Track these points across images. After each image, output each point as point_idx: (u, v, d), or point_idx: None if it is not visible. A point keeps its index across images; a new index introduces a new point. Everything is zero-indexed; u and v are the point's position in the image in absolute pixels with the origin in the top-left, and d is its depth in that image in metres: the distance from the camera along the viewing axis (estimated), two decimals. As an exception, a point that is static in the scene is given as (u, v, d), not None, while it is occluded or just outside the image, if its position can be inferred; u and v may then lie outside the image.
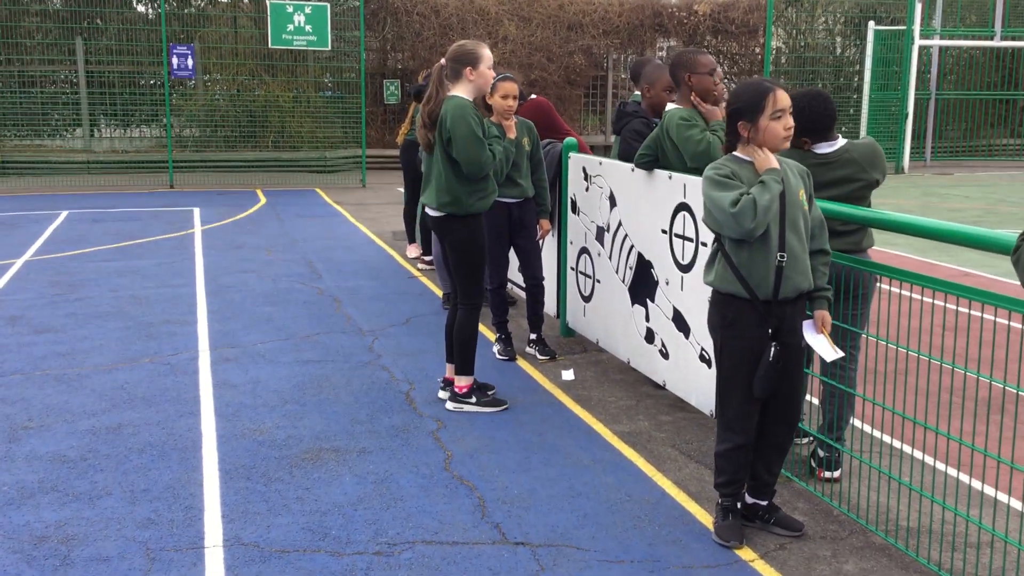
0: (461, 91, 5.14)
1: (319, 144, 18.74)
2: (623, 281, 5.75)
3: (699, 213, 4.81)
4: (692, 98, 4.99)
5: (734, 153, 3.62)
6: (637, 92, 6.09)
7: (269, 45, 16.13)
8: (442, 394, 5.55)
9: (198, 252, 10.13)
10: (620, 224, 5.77)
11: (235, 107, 18.75)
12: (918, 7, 18.26)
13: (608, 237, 5.94)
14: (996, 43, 18.66)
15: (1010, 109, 22.14)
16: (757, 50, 23.59)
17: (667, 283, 5.19)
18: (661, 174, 5.19)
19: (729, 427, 3.70)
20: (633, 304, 5.64)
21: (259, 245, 10.62)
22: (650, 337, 5.45)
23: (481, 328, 6.50)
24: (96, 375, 5.89)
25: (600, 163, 6.01)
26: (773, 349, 3.53)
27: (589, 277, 6.26)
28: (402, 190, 14.87)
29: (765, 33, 23.34)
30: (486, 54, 5.17)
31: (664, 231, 5.19)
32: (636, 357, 5.67)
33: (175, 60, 15.53)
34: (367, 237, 11.28)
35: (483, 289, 5.48)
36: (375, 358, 6.32)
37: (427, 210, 5.37)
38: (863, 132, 18.64)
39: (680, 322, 5.08)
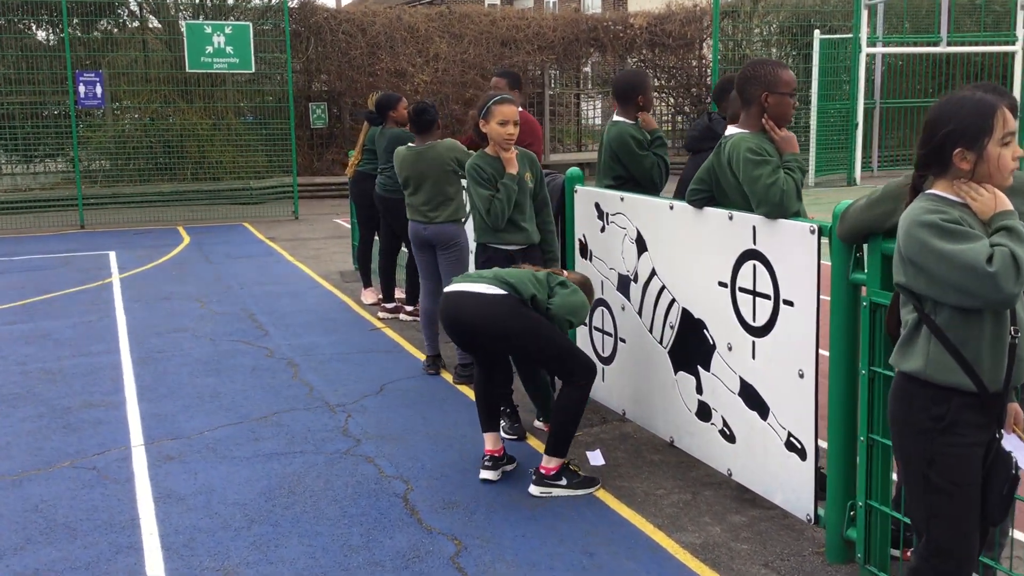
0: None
1: (243, 174, 17.39)
2: (661, 342, 4.72)
3: (777, 262, 3.81)
4: (765, 122, 4.00)
5: (934, 192, 2.60)
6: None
7: (187, 69, 14.77)
8: (486, 474, 4.58)
9: (119, 307, 8.81)
10: (653, 273, 4.74)
11: (148, 136, 17.29)
12: (864, 14, 17.73)
13: (636, 288, 4.90)
14: (943, 49, 18.24)
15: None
16: (694, 63, 22.97)
17: (729, 348, 4.17)
18: (717, 213, 4.19)
19: (945, 551, 2.66)
20: (677, 371, 4.61)
21: (189, 295, 9.33)
22: (704, 413, 4.42)
23: (467, 392, 5.36)
24: (1, 491, 4.63)
25: (622, 199, 4.98)
26: (1017, 461, 2.54)
27: (609, 335, 5.22)
28: (340, 221, 13.61)
29: (707, 45, 22.77)
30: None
31: (723, 284, 4.18)
32: (683, 436, 4.63)
33: (82, 88, 14.10)
34: (311, 280, 10.07)
35: (588, 361, 4.42)
36: (353, 444, 5.16)
37: (479, 289, 4.34)
38: (812, 143, 18.04)
39: (752, 398, 4.06)
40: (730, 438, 4.24)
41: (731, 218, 4.08)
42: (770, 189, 3.82)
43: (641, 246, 4.83)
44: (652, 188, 5.33)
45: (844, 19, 22.14)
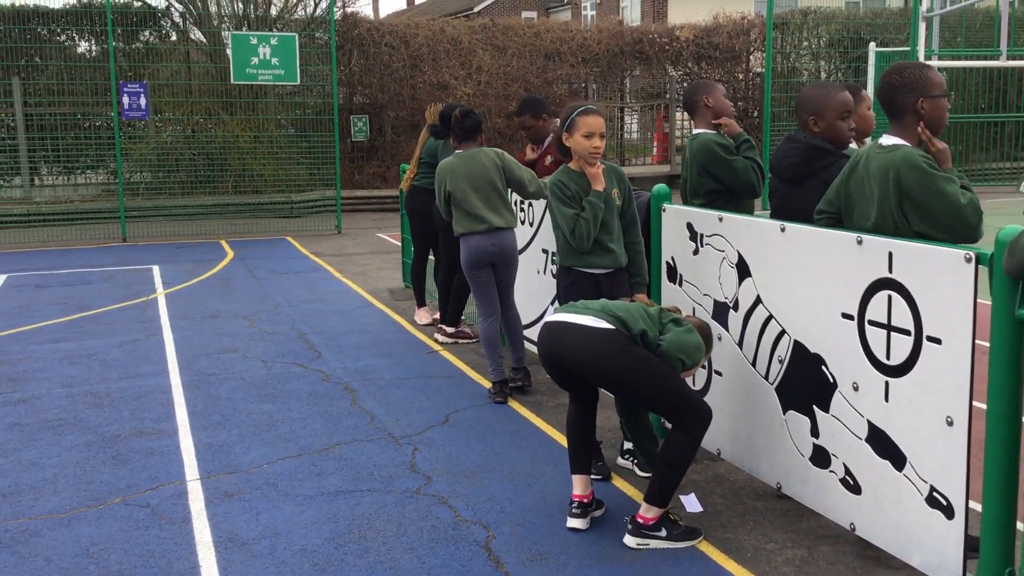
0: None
1: (284, 187, 17.13)
2: (767, 377, 4.29)
3: (921, 294, 3.39)
4: (921, 132, 3.58)
5: None
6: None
7: (231, 80, 14.52)
8: (574, 522, 4.18)
9: (165, 325, 8.49)
10: (758, 301, 4.32)
11: (191, 149, 17.07)
12: (922, 26, 17.21)
13: (735, 317, 4.49)
14: (1003, 63, 17.67)
15: (1000, 132, 21.26)
16: (741, 76, 22.50)
17: (855, 388, 3.74)
18: (843, 237, 3.76)
19: None
20: (787, 411, 4.18)
21: (237, 313, 9.01)
22: (821, 459, 3.98)
23: (539, 423, 4.89)
24: (50, 531, 4.27)
25: (720, 219, 4.56)
26: None
27: (702, 366, 4.79)
28: (384, 236, 13.36)
29: (754, 58, 22.31)
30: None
31: (848, 316, 3.75)
32: (793, 483, 4.20)
33: (126, 99, 13.88)
34: (361, 297, 9.72)
35: (704, 406, 4.02)
36: (424, 482, 4.77)
37: (586, 322, 3.95)
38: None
39: (884, 446, 3.62)
40: (854, 488, 3.81)
41: (860, 242, 3.65)
42: (964, 210, 3.41)
43: (743, 271, 4.41)
44: (751, 193, 4.99)
45: (896, 32, 21.64)
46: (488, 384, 6.40)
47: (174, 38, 18.79)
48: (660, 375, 3.91)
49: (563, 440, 5.35)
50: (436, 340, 7.68)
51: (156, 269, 11.63)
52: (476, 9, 40.83)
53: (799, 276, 4.03)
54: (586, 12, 37.95)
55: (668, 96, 21.94)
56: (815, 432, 4.00)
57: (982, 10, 21.17)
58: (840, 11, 22.61)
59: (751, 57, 22.59)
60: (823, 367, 3.93)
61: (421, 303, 8.49)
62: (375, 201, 18.93)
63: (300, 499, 4.58)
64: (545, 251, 6.59)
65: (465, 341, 7.60)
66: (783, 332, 4.17)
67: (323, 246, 13.70)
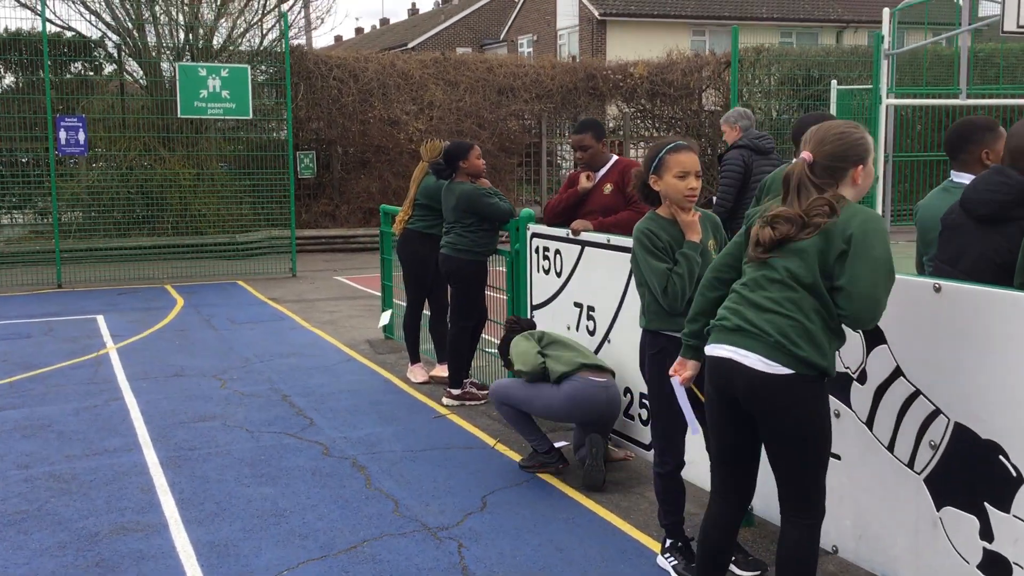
0: None
1: (229, 227, 16.12)
2: (911, 465, 3.62)
3: None
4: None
5: None
6: None
7: (179, 114, 13.56)
8: None
9: (124, 386, 7.53)
10: (898, 373, 3.66)
11: (127, 187, 15.97)
12: (884, 64, 17.08)
13: (862, 391, 3.82)
14: (962, 101, 17.66)
15: (948, 171, 21.33)
16: (693, 110, 22.20)
17: (1051, 485, 3.09)
18: (1020, 298, 3.13)
19: None
20: (942, 506, 3.51)
21: (203, 370, 8.07)
22: (997, 568, 3.31)
23: (591, 505, 4.25)
24: (33, 678, 3.37)
25: (839, 276, 3.90)
26: None
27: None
28: (343, 279, 12.75)
29: (706, 96, 22.05)
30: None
31: (1040, 397, 3.10)
32: (952, 593, 3.52)
33: (63, 134, 12.81)
34: (339, 351, 8.86)
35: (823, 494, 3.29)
36: (485, 592, 3.98)
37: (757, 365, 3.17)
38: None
39: (1100, 558, 2.97)
40: (1050, 606, 3.15)
41: (1060, 309, 3.02)
42: None
43: (874, 338, 3.75)
44: None
45: (848, 69, 21.59)
46: (515, 455, 5.65)
47: (108, 70, 17.72)
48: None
49: (626, 527, 4.62)
50: (443, 404, 6.87)
51: (101, 319, 10.58)
52: (410, 45, 40.30)
53: (963, 346, 3.38)
54: (523, 49, 37.63)
55: (622, 132, 21.51)
56: (987, 535, 3.33)
57: (932, 49, 21.29)
58: (792, 49, 22.55)
59: (703, 95, 22.35)
60: (1001, 456, 3.27)
61: (415, 359, 7.68)
62: (324, 241, 18.04)
63: (342, 620, 3.75)
64: (579, 305, 5.86)
65: (473, 403, 6.82)
66: (936, 412, 3.50)
67: (280, 291, 12.77)
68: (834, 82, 17.82)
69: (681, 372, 3.56)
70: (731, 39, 17.23)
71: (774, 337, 3.08)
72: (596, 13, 31.73)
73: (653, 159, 3.98)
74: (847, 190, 3.21)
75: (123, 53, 17.42)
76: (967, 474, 3.41)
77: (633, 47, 27.50)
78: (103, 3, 16.50)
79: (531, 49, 36.90)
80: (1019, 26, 15.04)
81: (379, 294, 9.84)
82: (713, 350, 3.28)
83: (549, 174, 21.63)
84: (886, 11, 16.94)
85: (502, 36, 40.08)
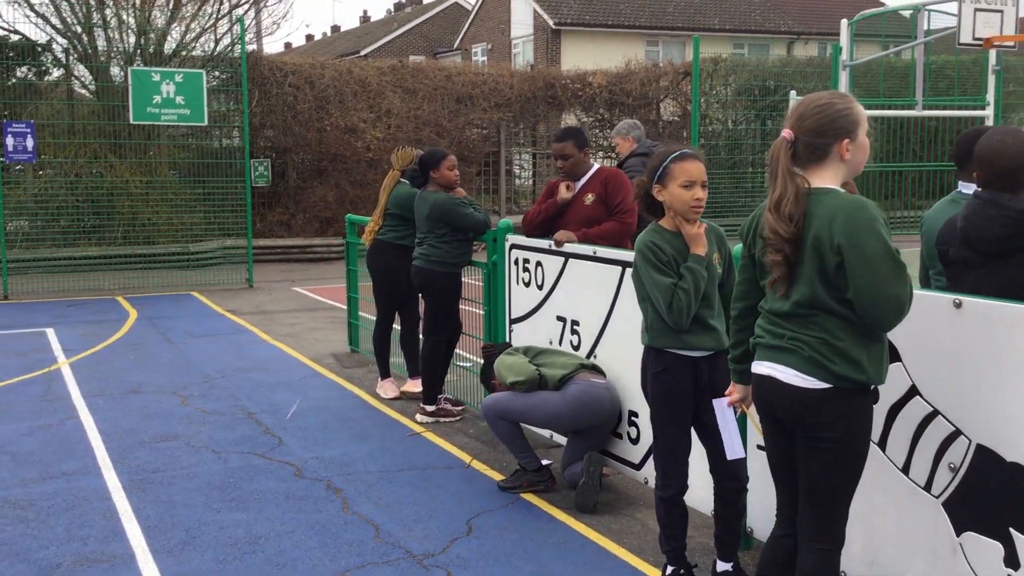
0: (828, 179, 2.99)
1: (180, 236, 15.70)
2: (928, 488, 3.47)
3: None
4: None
5: None
6: None
7: (131, 120, 13.16)
8: None
9: (80, 404, 7.18)
10: (913, 392, 3.52)
11: (74, 194, 15.47)
12: (843, 76, 17.19)
13: (875, 411, 3.66)
14: (919, 112, 17.84)
15: (902, 181, 21.55)
16: (652, 120, 22.18)
17: (1085, 511, 2.96)
18: (1060, 320, 3.00)
19: None
20: (962, 532, 3.37)
21: (162, 387, 7.75)
22: (1023, 595, 3.18)
23: (581, 528, 4.03)
24: None
25: (849, 291, 3.75)
26: None
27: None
28: (301, 290, 12.50)
29: (663, 106, 22.06)
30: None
31: (1072, 419, 2.97)
32: (974, 621, 3.37)
33: (10, 140, 12.35)
34: (303, 365, 8.57)
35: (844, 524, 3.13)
36: (480, 625, 3.76)
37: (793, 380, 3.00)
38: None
39: None
40: (1084, 637, 3.01)
41: (1096, 328, 2.90)
42: None
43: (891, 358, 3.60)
44: None
45: (804, 80, 21.72)
46: (494, 474, 5.45)
47: (55, 75, 17.21)
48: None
49: (621, 551, 4.43)
50: (416, 420, 6.63)
51: (51, 332, 10.17)
52: (363, 52, 39.92)
53: (987, 366, 3.24)
54: (477, 58, 37.48)
55: (580, 142, 21.40)
56: (1013, 562, 3.20)
57: (886, 61, 21.49)
58: (749, 59, 22.65)
59: (661, 105, 22.37)
60: (1028, 480, 3.13)
61: (385, 374, 7.43)
62: (280, 251, 17.69)
63: (330, 659, 3.51)
64: (562, 319, 5.67)
65: (448, 420, 6.60)
66: (957, 433, 3.36)
67: (237, 302, 12.41)
68: (793, 92, 17.85)
69: (732, 396, 3.42)
70: (691, 49, 17.29)
71: (807, 351, 2.92)
72: (551, 22, 31.72)
73: (657, 168, 3.81)
74: (835, 169, 2.99)
75: (71, 57, 16.94)
76: (991, 498, 3.27)
77: (587, 56, 27.48)
78: (51, 6, 16.00)
79: (485, 58, 36.76)
80: (974, 38, 15.21)
81: (341, 306, 9.58)
82: (756, 367, 3.13)
83: (508, 183, 21.48)
84: (844, 23, 17.08)
85: (456, 44, 39.90)
